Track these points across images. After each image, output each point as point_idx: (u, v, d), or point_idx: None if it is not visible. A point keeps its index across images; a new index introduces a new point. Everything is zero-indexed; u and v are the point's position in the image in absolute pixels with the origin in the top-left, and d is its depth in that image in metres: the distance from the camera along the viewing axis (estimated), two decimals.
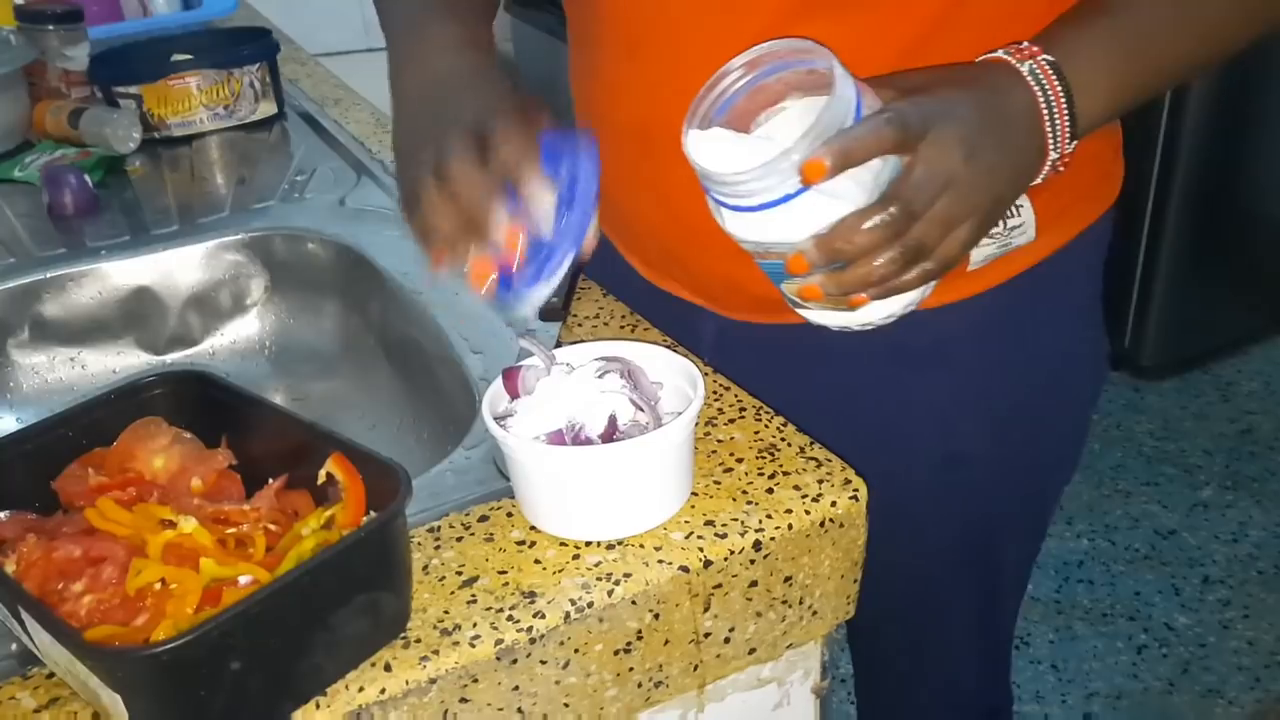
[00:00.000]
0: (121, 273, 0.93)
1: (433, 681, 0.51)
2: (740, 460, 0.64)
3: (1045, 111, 0.59)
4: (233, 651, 0.45)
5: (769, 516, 0.59)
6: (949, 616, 0.90)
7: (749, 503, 0.60)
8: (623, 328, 0.78)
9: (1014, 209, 0.68)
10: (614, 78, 0.74)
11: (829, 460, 0.63)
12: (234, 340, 0.97)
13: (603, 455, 0.57)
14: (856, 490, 0.61)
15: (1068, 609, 1.88)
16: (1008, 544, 0.88)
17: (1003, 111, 0.58)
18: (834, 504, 0.60)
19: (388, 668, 0.51)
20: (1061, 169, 0.61)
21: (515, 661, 0.53)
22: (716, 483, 0.62)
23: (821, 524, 0.60)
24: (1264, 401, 2.35)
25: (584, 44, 0.78)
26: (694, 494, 0.61)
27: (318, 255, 0.96)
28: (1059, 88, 0.59)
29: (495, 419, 0.59)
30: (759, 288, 0.63)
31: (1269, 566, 1.94)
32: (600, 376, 0.61)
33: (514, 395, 0.61)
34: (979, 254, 0.68)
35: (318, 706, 0.50)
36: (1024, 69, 0.59)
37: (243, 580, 0.50)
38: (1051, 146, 0.59)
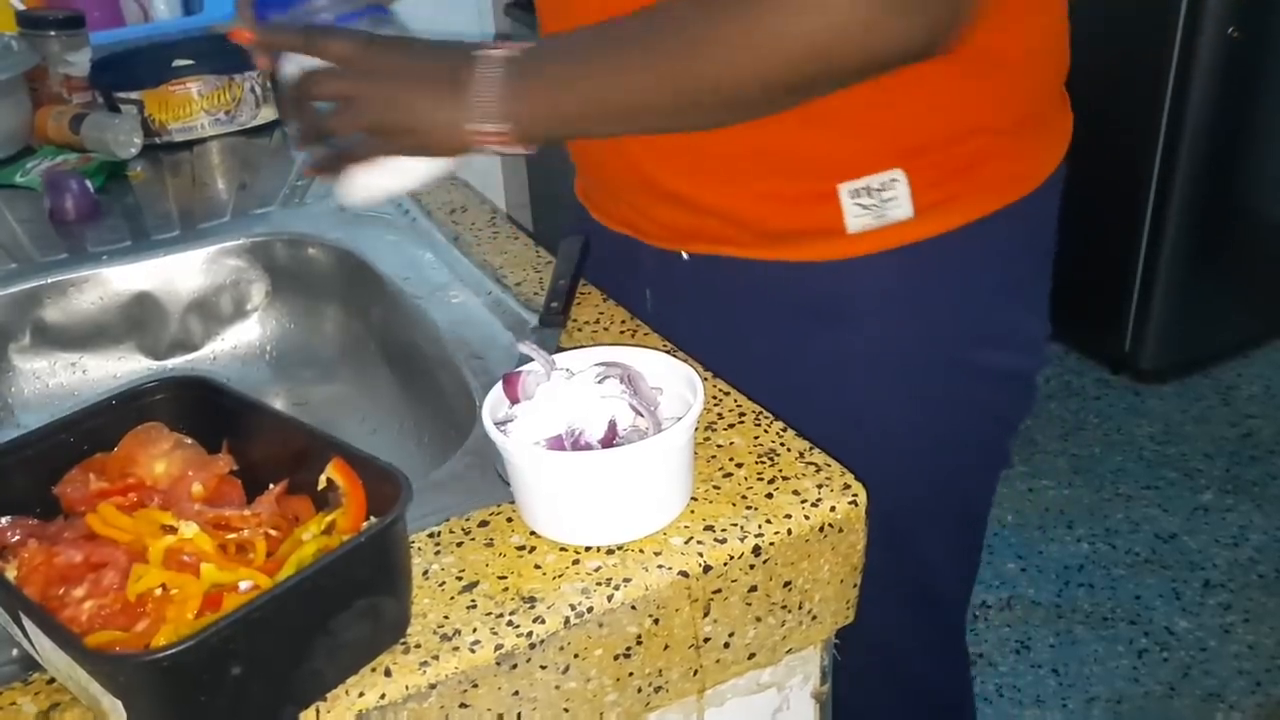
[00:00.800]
0: (123, 278, 0.93)
1: (433, 687, 0.51)
2: (740, 465, 0.64)
3: (473, 88, 0.63)
4: (233, 657, 0.45)
5: (768, 521, 0.59)
6: (881, 606, 0.90)
7: (748, 508, 0.60)
8: (622, 333, 0.78)
9: (888, 183, 0.73)
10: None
11: (828, 465, 0.63)
12: (235, 345, 0.97)
13: (602, 460, 0.57)
14: (856, 495, 0.61)
15: (1068, 613, 1.87)
16: (927, 530, 0.88)
17: (425, 68, 0.66)
18: (833, 509, 0.60)
19: (388, 673, 0.51)
20: (497, 144, 0.65)
21: (515, 667, 0.53)
22: (716, 488, 0.62)
23: (821, 529, 0.60)
24: (1265, 405, 2.35)
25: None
26: (694, 499, 0.61)
27: (318, 260, 0.96)
28: (497, 75, 0.64)
29: (495, 424, 0.59)
30: (669, 214, 0.78)
31: (1270, 570, 1.94)
32: (600, 382, 0.61)
33: (514, 400, 0.61)
34: (856, 221, 0.75)
35: (318, 712, 0.50)
36: (481, 53, 0.64)
37: (243, 585, 0.50)
38: (473, 117, 0.64)
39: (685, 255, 0.83)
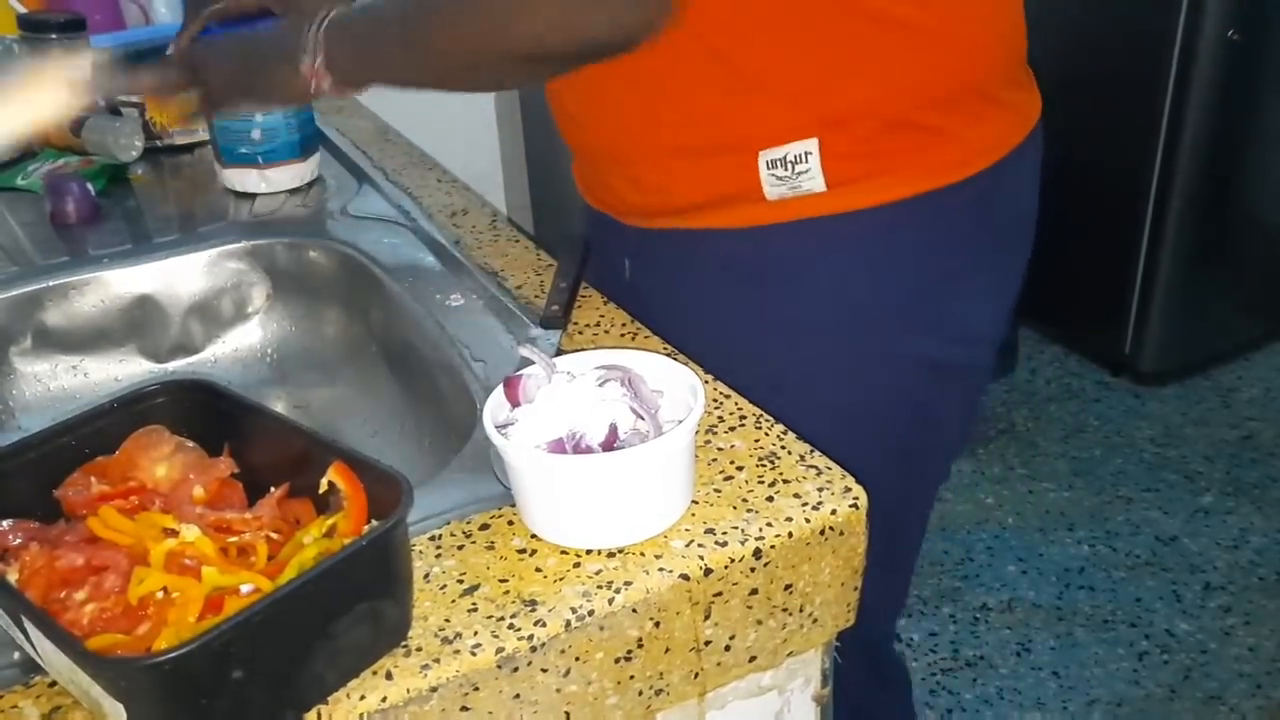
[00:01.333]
0: (123, 281, 0.94)
1: (434, 690, 0.51)
2: (740, 468, 0.64)
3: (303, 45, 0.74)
4: (235, 660, 0.45)
5: (769, 524, 0.59)
6: None
7: (749, 511, 0.60)
8: (623, 336, 0.78)
9: (802, 154, 0.77)
10: None
11: (829, 468, 0.63)
12: (236, 348, 0.97)
13: (603, 463, 0.57)
14: (857, 498, 0.61)
15: (1069, 615, 1.87)
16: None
17: (255, 43, 0.81)
18: (834, 512, 0.60)
19: (389, 676, 0.51)
20: (329, 89, 0.75)
21: (516, 670, 0.53)
22: (717, 491, 0.62)
23: (821, 532, 0.60)
24: (1265, 408, 2.35)
25: None
26: (694, 502, 0.61)
27: (319, 263, 0.96)
28: (317, 34, 0.74)
29: (496, 427, 0.59)
30: (626, 190, 0.84)
31: (1270, 573, 1.94)
32: (601, 385, 0.61)
33: (515, 404, 0.61)
34: (772, 190, 0.78)
35: (319, 715, 0.50)
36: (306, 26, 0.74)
37: (245, 589, 0.50)
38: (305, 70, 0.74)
39: (634, 228, 0.88)
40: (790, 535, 0.59)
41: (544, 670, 0.54)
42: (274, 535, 0.54)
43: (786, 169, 0.77)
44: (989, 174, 0.80)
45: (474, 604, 0.55)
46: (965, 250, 0.83)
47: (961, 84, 0.78)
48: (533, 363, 0.63)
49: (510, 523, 0.61)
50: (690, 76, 0.76)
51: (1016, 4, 0.83)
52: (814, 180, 0.77)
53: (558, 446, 0.59)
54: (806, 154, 0.77)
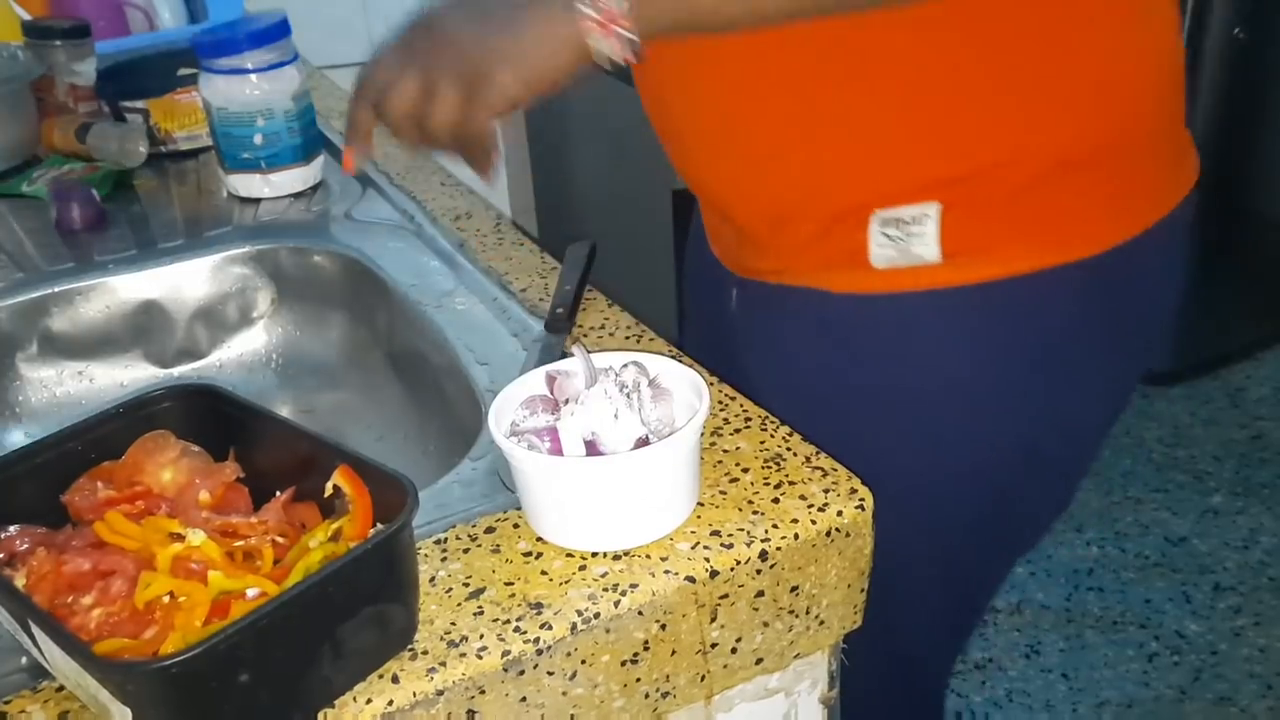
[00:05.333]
0: (129, 286, 0.94)
1: (440, 693, 0.51)
2: (746, 470, 0.64)
3: None
4: (241, 664, 0.45)
5: (775, 526, 0.59)
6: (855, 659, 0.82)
7: (755, 513, 0.60)
8: (628, 338, 0.78)
9: (920, 215, 0.69)
10: None
11: (835, 470, 0.63)
12: (241, 353, 0.97)
13: (608, 466, 0.57)
14: (863, 500, 0.61)
15: (1078, 617, 1.87)
16: (912, 590, 0.83)
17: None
18: (840, 513, 0.60)
19: (395, 679, 0.51)
20: (621, 28, 0.59)
21: (522, 673, 0.53)
22: (723, 493, 0.62)
23: (828, 534, 0.60)
24: (1274, 408, 2.35)
25: None
26: (700, 504, 0.61)
27: (324, 268, 0.96)
28: None
29: (510, 433, 0.59)
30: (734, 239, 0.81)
31: None
32: (606, 387, 0.61)
33: (554, 404, 0.61)
34: (880, 254, 0.71)
35: (326, 719, 0.50)
36: None
37: (251, 593, 0.50)
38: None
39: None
40: (796, 537, 0.59)
41: (550, 673, 0.54)
42: (280, 539, 0.54)
43: (900, 230, 0.70)
44: (1123, 252, 0.72)
45: (480, 607, 0.55)
46: (1094, 333, 0.74)
47: (1112, 134, 0.70)
48: (564, 359, 0.63)
49: (516, 526, 0.61)
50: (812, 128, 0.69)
51: (1177, 50, 0.73)
52: (928, 247, 0.70)
53: (591, 449, 0.59)
54: (925, 215, 0.69)
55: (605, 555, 0.58)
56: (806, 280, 0.77)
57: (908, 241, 0.70)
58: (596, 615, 0.54)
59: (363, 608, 0.49)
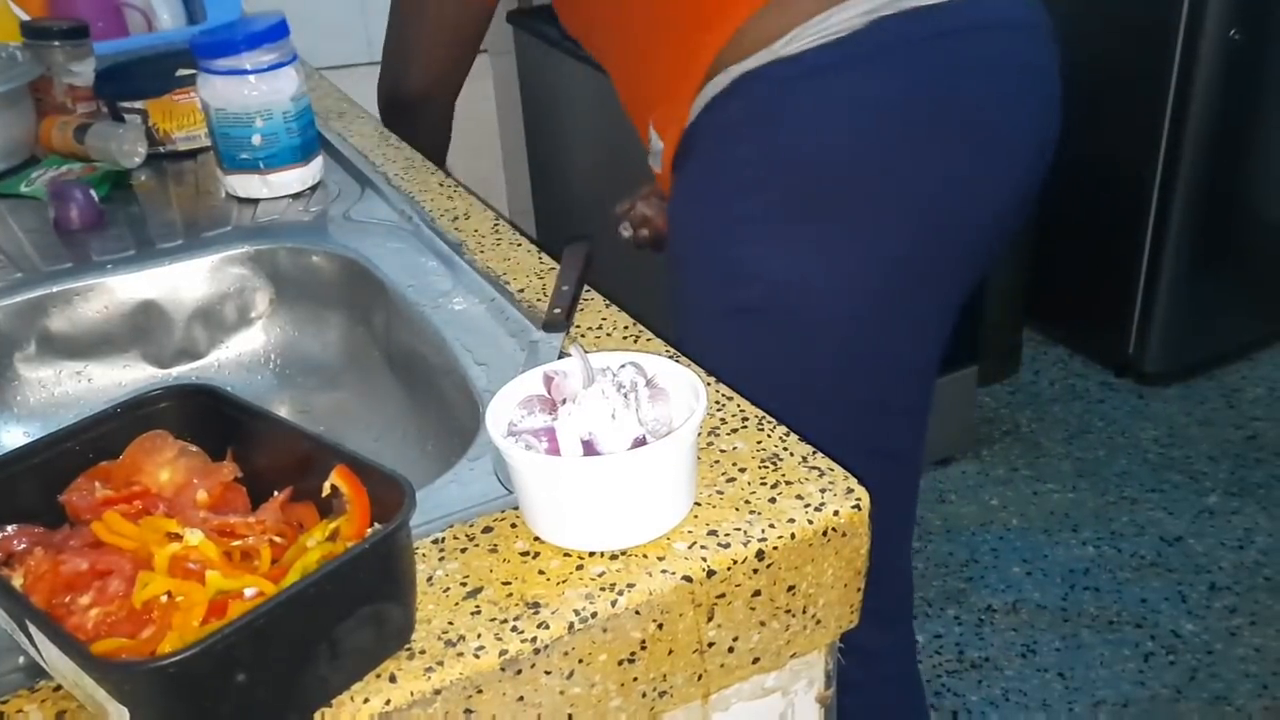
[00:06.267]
0: (127, 287, 0.94)
1: (437, 693, 0.52)
2: (743, 470, 0.64)
3: None
4: (238, 664, 0.45)
5: (772, 526, 0.59)
6: None
7: (752, 512, 0.60)
8: (625, 338, 0.79)
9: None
10: None
11: (831, 470, 0.64)
12: (239, 353, 0.97)
13: (606, 465, 0.57)
14: (859, 499, 0.61)
15: (1074, 617, 1.87)
16: None
17: None
18: (836, 513, 0.60)
19: (393, 679, 0.51)
20: None
21: (519, 672, 0.53)
22: (719, 492, 0.62)
23: (824, 533, 0.60)
24: (1270, 408, 2.35)
25: None
26: (697, 504, 0.61)
27: (322, 268, 0.96)
28: None
29: (508, 433, 0.59)
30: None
31: (1276, 573, 1.93)
32: (603, 386, 0.61)
33: (551, 404, 0.61)
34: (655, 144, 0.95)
35: (323, 718, 0.50)
36: None
37: (248, 593, 0.50)
38: None
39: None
40: (793, 536, 0.59)
41: (547, 672, 0.54)
42: (277, 539, 0.54)
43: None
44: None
45: (477, 606, 0.55)
46: (762, 176, 0.88)
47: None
48: (560, 359, 0.63)
49: (513, 525, 0.61)
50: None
51: None
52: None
53: (588, 448, 0.59)
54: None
55: (602, 555, 0.58)
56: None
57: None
58: (594, 615, 0.55)
59: (360, 607, 0.50)
